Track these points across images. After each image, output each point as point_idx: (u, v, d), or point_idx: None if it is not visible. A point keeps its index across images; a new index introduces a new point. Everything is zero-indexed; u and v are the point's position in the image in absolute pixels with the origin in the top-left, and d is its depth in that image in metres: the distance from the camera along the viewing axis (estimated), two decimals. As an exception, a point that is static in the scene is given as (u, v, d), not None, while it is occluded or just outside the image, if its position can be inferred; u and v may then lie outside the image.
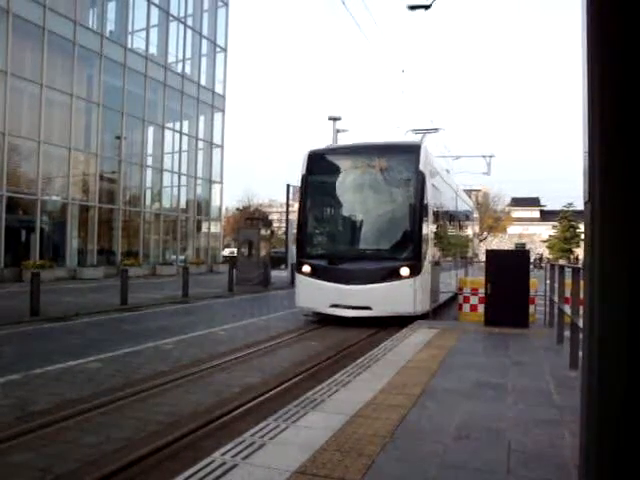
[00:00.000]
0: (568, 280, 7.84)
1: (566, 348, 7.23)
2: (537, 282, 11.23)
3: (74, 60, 24.69)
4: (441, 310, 13.19)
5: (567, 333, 7.52)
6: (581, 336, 5.57)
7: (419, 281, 11.19)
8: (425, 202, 11.62)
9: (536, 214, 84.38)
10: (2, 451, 4.42)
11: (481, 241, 57.67)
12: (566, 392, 5.40)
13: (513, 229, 76.23)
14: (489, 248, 16.61)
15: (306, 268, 11.97)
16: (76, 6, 24.88)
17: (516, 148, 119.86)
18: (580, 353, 5.77)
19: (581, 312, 6.14)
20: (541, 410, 4.88)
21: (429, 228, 11.92)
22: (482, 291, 10.47)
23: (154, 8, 30.04)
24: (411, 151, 12.06)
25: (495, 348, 8.34)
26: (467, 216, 22.60)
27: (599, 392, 1.91)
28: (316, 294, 11.73)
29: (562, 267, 8.69)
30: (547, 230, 73.62)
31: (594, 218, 1.89)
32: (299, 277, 12.26)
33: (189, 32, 32.85)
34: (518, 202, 76.67)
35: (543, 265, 25.60)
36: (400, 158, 12.11)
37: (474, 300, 11.48)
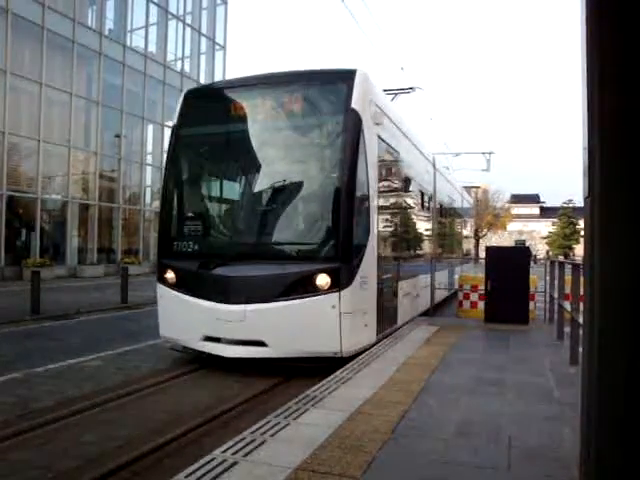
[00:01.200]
0: (568, 276, 7.84)
1: (566, 344, 7.24)
2: (537, 279, 11.23)
3: (73, 59, 24.65)
4: (441, 307, 13.14)
5: (567, 329, 7.53)
6: (581, 332, 5.59)
7: (350, 297, 6.74)
8: (362, 165, 7.04)
9: (536, 211, 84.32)
10: (3, 449, 4.42)
11: (480, 238, 57.66)
12: (566, 388, 5.41)
13: (513, 226, 76.21)
14: (489, 245, 16.40)
15: (169, 275, 7.49)
16: (75, 5, 24.84)
17: (516, 145, 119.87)
18: (580, 349, 5.78)
19: (581, 308, 6.15)
20: (541, 406, 4.88)
21: (371, 209, 7.40)
22: (482, 288, 10.47)
23: (153, 6, 29.99)
24: (338, 80, 7.41)
25: (495, 344, 8.34)
26: (453, 200, 17.66)
27: (599, 388, 1.92)
28: (182, 318, 7.33)
29: (562, 263, 8.69)
30: (547, 227, 73.62)
31: (594, 213, 1.89)
32: (160, 289, 7.66)
33: (188, 30, 32.77)
34: (518, 199, 76.66)
35: (542, 262, 25.32)
36: (320, 92, 7.49)
37: (474, 297, 11.47)
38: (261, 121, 7.65)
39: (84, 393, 6.08)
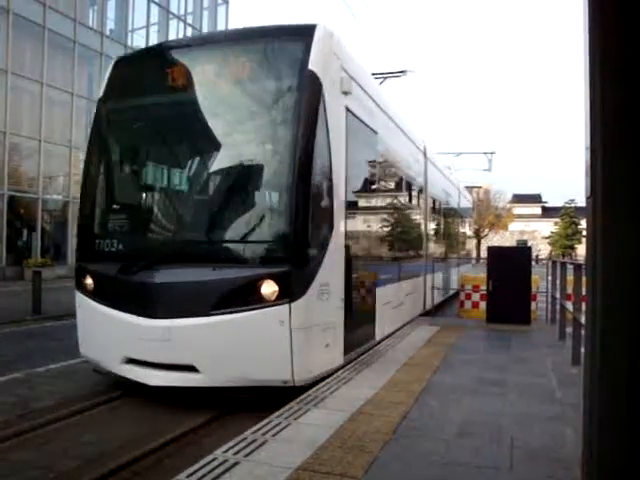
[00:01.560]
0: (570, 277, 7.84)
1: (568, 344, 7.23)
2: (539, 279, 11.21)
3: (74, 59, 24.71)
4: (442, 307, 13.10)
5: (569, 330, 7.52)
6: (583, 332, 5.57)
7: (304, 309, 5.39)
8: (322, 142, 5.70)
9: (537, 211, 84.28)
10: (4, 449, 4.42)
11: (482, 238, 57.64)
12: (568, 388, 5.40)
13: (515, 226, 76.19)
14: (491, 245, 16.25)
15: (88, 281, 6.21)
16: (76, 5, 24.89)
17: (517, 145, 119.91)
18: (582, 349, 5.77)
19: (583, 308, 6.15)
20: (543, 406, 4.87)
21: (336, 199, 5.95)
22: (484, 288, 10.47)
23: (154, 6, 30.00)
24: (293, 37, 6.04)
25: (497, 345, 8.33)
26: (449, 196, 16.23)
27: (601, 388, 1.91)
28: (101, 334, 6.09)
29: (564, 264, 8.69)
30: (549, 226, 73.60)
31: (596, 213, 1.88)
32: (78, 298, 6.37)
33: (189, 30, 32.79)
34: (519, 199, 76.63)
35: (544, 262, 25.14)
36: (271, 51, 6.03)
37: (476, 297, 11.46)
38: (200, 91, 6.16)
39: (84, 393, 6.08)
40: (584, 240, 2.66)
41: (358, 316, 6.80)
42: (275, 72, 5.96)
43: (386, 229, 8.72)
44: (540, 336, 8.93)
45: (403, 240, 9.94)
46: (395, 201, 9.51)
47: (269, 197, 5.88)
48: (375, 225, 8.08)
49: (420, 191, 11.53)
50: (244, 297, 5.36)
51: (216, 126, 6.19)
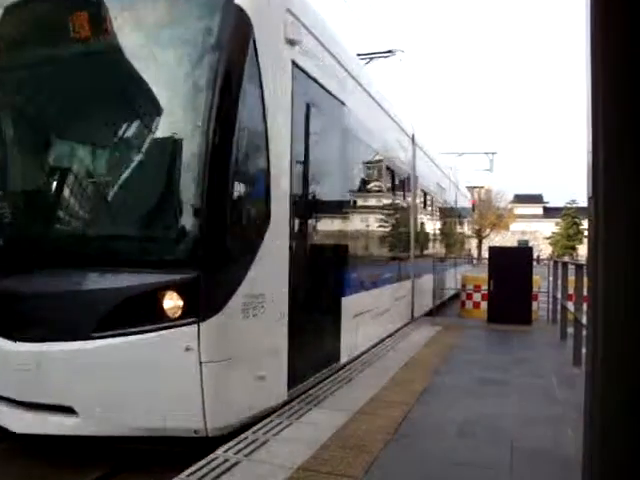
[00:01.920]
0: (572, 277, 7.84)
1: (569, 345, 7.23)
2: (540, 279, 11.21)
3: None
4: (443, 307, 13.10)
5: (570, 330, 7.52)
6: (584, 333, 5.58)
7: (221, 331, 3.95)
8: (252, 103, 4.30)
9: (539, 211, 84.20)
10: (3, 449, 4.42)
11: (483, 238, 57.66)
12: (569, 389, 5.40)
13: (516, 226, 76.15)
14: (492, 245, 16.20)
15: None
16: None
17: (519, 145, 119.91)
18: (583, 350, 5.77)
19: (584, 309, 6.15)
20: (544, 407, 4.87)
21: (274, 180, 4.51)
22: (485, 288, 10.46)
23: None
24: None
25: (498, 345, 8.34)
26: (443, 190, 15.02)
27: (603, 388, 1.91)
28: None
29: (565, 264, 8.69)
30: (550, 227, 73.57)
31: (598, 213, 1.88)
32: None
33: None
34: (521, 199, 76.57)
35: (545, 263, 25.07)
36: None
37: (477, 297, 11.47)
38: (96, 40, 4.50)
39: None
40: (585, 240, 2.66)
41: (312, 335, 5.37)
42: (192, 11, 4.37)
43: (356, 224, 7.03)
44: (541, 336, 8.93)
45: (381, 238, 8.42)
46: (367, 191, 7.90)
47: (175, 179, 4.20)
48: (341, 220, 6.40)
49: (405, 182, 9.92)
50: (137, 314, 3.92)
51: (110, 88, 4.67)
